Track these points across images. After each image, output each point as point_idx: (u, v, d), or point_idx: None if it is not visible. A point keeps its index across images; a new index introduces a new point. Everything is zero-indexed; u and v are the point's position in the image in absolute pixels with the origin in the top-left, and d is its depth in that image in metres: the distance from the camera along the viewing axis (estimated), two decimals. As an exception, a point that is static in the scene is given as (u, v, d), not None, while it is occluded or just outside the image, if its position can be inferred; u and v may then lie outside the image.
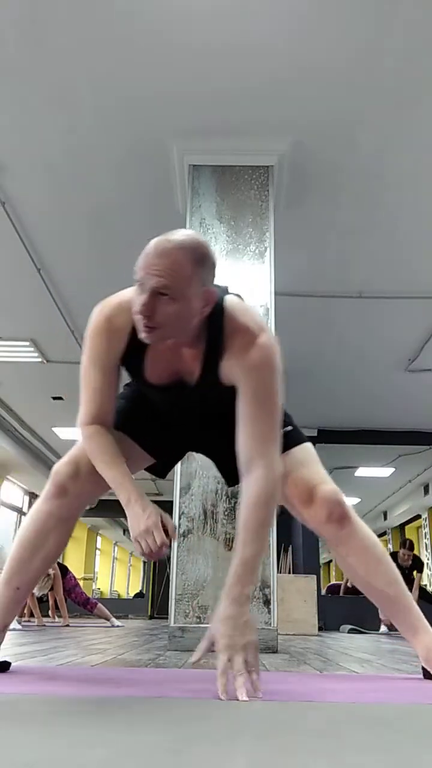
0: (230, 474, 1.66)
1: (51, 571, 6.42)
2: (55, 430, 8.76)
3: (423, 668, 1.52)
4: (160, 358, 1.40)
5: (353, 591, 9.17)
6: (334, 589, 9.60)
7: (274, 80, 3.05)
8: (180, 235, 1.26)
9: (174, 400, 1.48)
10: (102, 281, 4.89)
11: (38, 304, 5.17)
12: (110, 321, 1.39)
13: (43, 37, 2.84)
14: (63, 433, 8.83)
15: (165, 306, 1.23)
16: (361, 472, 9.97)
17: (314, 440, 7.90)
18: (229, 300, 1.40)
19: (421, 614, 1.54)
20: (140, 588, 17.55)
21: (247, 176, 3.45)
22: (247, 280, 3.21)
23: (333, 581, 19.85)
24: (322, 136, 3.39)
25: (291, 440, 1.53)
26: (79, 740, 0.75)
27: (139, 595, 14.16)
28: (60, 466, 1.49)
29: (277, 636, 2.76)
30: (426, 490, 10.98)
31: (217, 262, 1.36)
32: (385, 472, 10.06)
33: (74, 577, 7.00)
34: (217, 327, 1.35)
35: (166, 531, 1.31)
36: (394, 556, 7.15)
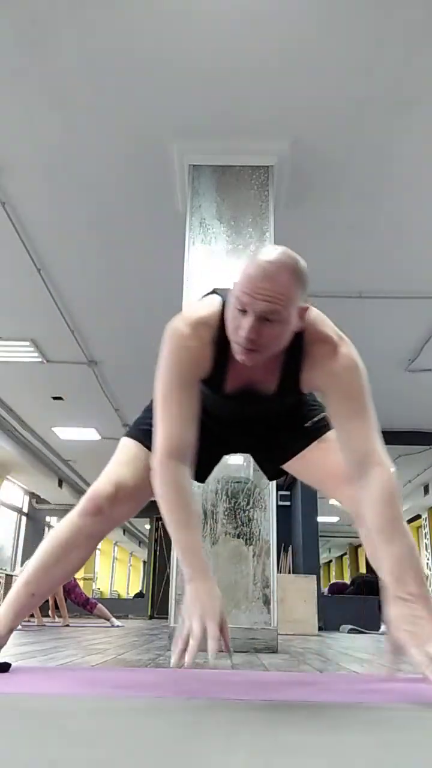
0: (269, 469, 1.69)
1: None
2: (55, 430, 8.76)
3: None
4: (239, 369, 1.36)
5: (356, 591, 9.18)
6: (337, 588, 9.55)
7: (274, 80, 3.05)
8: (279, 254, 1.23)
9: (243, 407, 1.46)
10: (102, 281, 4.90)
11: (38, 304, 5.17)
12: (194, 339, 1.33)
13: (43, 37, 2.85)
14: (63, 433, 8.83)
15: (269, 329, 1.21)
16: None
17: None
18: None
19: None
20: (140, 588, 17.56)
21: (247, 176, 3.45)
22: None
23: (333, 581, 19.85)
24: (322, 136, 3.40)
25: (329, 425, 1.54)
26: (79, 740, 0.75)
27: (139, 595, 14.15)
28: (100, 486, 1.48)
29: (277, 636, 2.76)
30: (426, 490, 10.97)
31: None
32: (386, 472, 10.03)
33: (74, 578, 7.01)
34: (298, 337, 1.32)
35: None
36: None
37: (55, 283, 4.92)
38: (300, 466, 1.57)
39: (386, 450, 1.35)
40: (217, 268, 3.24)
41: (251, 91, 3.11)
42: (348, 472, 1.41)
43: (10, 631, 1.52)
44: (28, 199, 3.94)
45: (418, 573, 1.24)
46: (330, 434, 1.53)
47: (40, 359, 6.27)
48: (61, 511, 12.87)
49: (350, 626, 7.12)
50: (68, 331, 5.62)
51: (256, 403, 1.43)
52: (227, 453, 1.74)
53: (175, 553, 1.33)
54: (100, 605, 6.78)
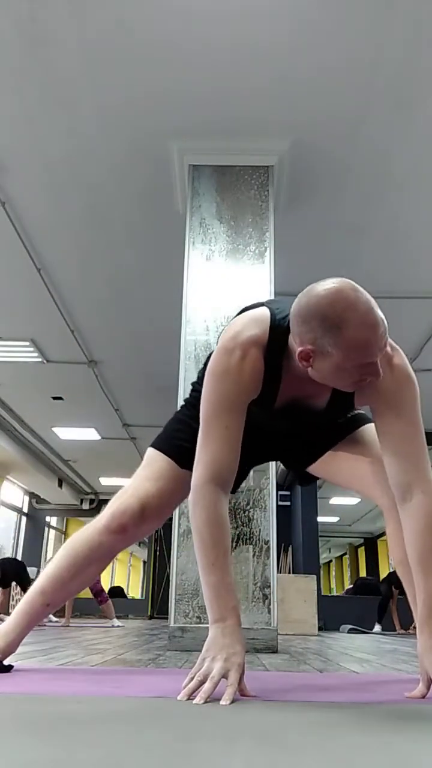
0: (296, 475, 1.66)
1: None
2: (55, 430, 8.76)
3: None
4: (290, 386, 1.32)
5: (356, 591, 9.18)
6: (364, 587, 9.13)
7: (274, 80, 3.05)
8: (364, 295, 1.19)
9: (290, 422, 1.42)
10: (102, 281, 4.90)
11: (38, 304, 5.17)
12: (246, 361, 1.26)
13: (43, 37, 2.84)
14: (63, 433, 8.84)
15: None
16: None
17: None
18: None
19: None
20: (140, 587, 17.51)
21: (247, 176, 3.45)
22: (247, 280, 3.21)
23: (333, 582, 19.87)
24: (322, 136, 3.40)
25: (365, 418, 1.53)
26: (79, 740, 0.75)
27: (117, 592, 13.21)
28: (125, 507, 1.44)
29: (277, 636, 2.76)
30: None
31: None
32: (386, 472, 10.02)
33: None
34: None
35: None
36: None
37: (55, 283, 4.91)
38: (329, 465, 1.54)
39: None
40: (217, 268, 3.24)
41: (251, 91, 3.11)
42: (379, 469, 1.38)
43: (22, 638, 1.51)
44: (28, 199, 3.94)
45: None
46: (362, 430, 1.50)
47: (40, 359, 6.27)
48: (62, 511, 12.88)
49: (350, 626, 7.12)
50: (68, 331, 5.62)
51: (303, 417, 1.40)
52: (260, 462, 1.70)
53: (203, 592, 1.23)
54: (110, 602, 6.79)
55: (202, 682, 1.09)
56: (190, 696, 1.07)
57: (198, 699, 1.04)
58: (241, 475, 1.57)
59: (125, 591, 14.26)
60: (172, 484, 1.43)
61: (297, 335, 1.21)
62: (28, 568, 7.51)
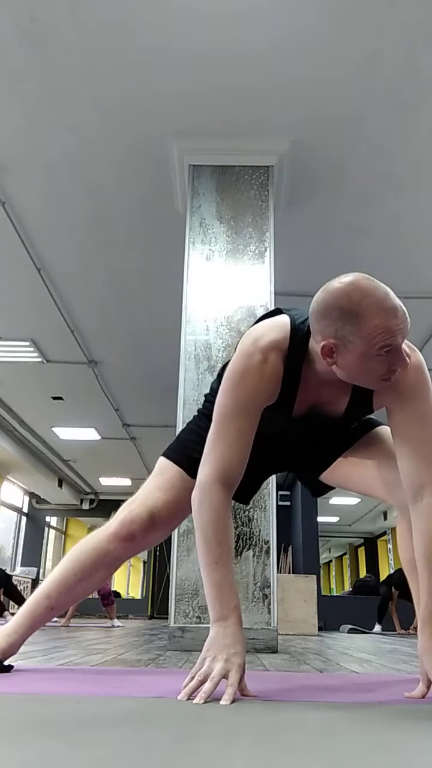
0: (310, 484, 1.64)
1: None
2: (55, 430, 8.76)
3: None
4: (309, 392, 1.31)
5: (356, 592, 9.18)
6: (364, 587, 9.18)
7: (274, 80, 3.05)
8: (383, 286, 1.21)
9: (307, 430, 1.41)
10: (102, 281, 4.90)
11: (38, 304, 5.17)
12: (266, 365, 1.25)
13: (43, 37, 2.84)
14: (63, 433, 8.84)
15: None
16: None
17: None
18: None
19: None
20: (140, 587, 17.51)
21: (247, 176, 3.45)
22: (247, 280, 3.21)
23: (333, 582, 19.87)
24: (322, 136, 3.40)
25: (376, 421, 1.53)
26: (79, 740, 0.75)
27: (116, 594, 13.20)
28: (135, 516, 1.44)
29: (277, 636, 2.76)
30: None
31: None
32: (386, 472, 10.01)
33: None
34: None
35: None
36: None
37: (55, 283, 4.91)
38: (342, 472, 1.52)
39: None
40: (217, 268, 3.24)
41: (251, 91, 3.11)
42: (391, 470, 1.37)
43: (24, 639, 1.51)
44: (28, 199, 3.94)
45: None
46: (374, 433, 1.50)
47: (40, 359, 6.27)
48: (62, 511, 12.88)
49: (350, 626, 7.12)
50: (68, 331, 5.62)
51: (321, 425, 1.38)
52: (275, 472, 1.69)
53: (204, 590, 1.24)
54: (114, 606, 6.82)
55: (202, 682, 1.09)
56: (191, 696, 1.07)
57: (198, 699, 1.04)
58: (254, 487, 1.58)
59: (122, 593, 14.25)
60: (182, 494, 1.42)
61: (318, 332, 1.20)
62: (27, 568, 7.53)
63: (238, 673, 1.10)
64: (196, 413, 1.59)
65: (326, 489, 1.63)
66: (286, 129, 3.35)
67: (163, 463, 1.53)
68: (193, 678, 1.11)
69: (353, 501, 12.22)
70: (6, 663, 1.46)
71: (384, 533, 14.34)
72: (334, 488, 1.61)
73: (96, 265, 4.65)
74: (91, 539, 1.51)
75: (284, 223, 3.82)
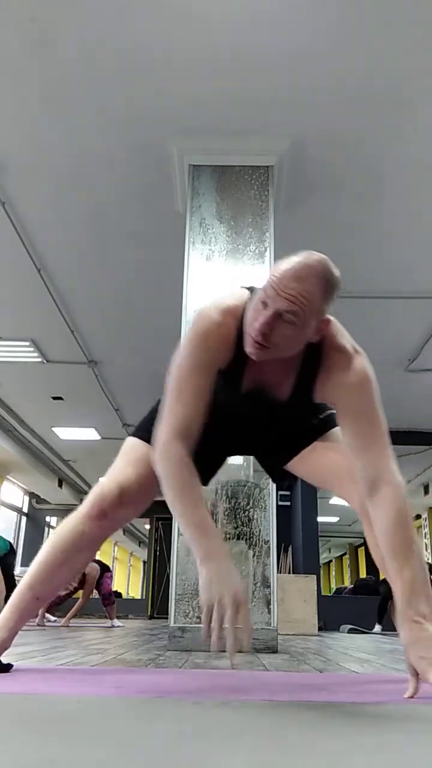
0: (277, 469, 1.66)
1: (87, 570, 6.49)
2: (55, 430, 8.76)
3: None
4: (257, 368, 1.36)
5: (355, 591, 9.19)
6: (363, 587, 9.50)
7: (274, 81, 3.05)
8: (317, 261, 1.25)
9: (256, 410, 1.44)
10: (102, 281, 4.90)
11: (38, 304, 5.17)
12: (220, 326, 1.32)
13: (43, 37, 2.84)
14: (63, 433, 8.84)
15: (284, 329, 1.22)
16: (362, 472, 9.95)
17: (314, 440, 7.95)
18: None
19: None
20: (140, 587, 17.51)
21: (247, 176, 3.45)
22: (247, 280, 3.20)
23: (333, 582, 19.89)
24: (322, 136, 3.40)
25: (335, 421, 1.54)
26: (79, 740, 0.75)
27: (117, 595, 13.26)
28: (105, 491, 1.45)
29: (277, 636, 2.76)
30: (426, 490, 10.98)
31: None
32: (386, 472, 10.04)
33: (111, 578, 7.10)
34: (315, 346, 1.33)
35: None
36: None
37: (55, 283, 4.91)
38: (305, 464, 1.56)
39: (397, 464, 1.33)
40: (217, 268, 3.24)
41: (251, 90, 3.11)
42: (352, 469, 1.39)
43: (15, 633, 1.51)
44: (28, 199, 3.94)
45: (428, 590, 1.22)
46: (334, 431, 1.53)
47: (40, 359, 6.27)
48: (61, 511, 12.87)
49: (350, 626, 7.12)
50: (68, 331, 5.62)
51: (268, 407, 1.42)
52: (232, 455, 1.72)
53: (185, 535, 1.25)
54: (114, 605, 6.82)
55: (220, 626, 1.11)
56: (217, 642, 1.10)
57: (232, 654, 1.08)
58: (212, 469, 1.61)
59: (122, 593, 14.26)
60: (150, 469, 1.43)
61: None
62: (27, 569, 7.50)
63: (247, 609, 1.14)
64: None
65: (287, 477, 1.67)
66: (286, 129, 3.35)
67: (130, 441, 1.57)
68: (210, 625, 1.13)
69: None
70: (5, 662, 1.46)
71: (384, 533, 14.31)
72: (296, 477, 1.65)
73: (96, 265, 4.65)
74: (65, 524, 1.51)
75: (284, 223, 3.82)
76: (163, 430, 1.31)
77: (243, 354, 1.31)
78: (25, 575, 1.53)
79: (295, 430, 1.54)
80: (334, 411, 1.51)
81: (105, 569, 6.95)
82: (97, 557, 13.40)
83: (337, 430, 1.51)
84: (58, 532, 1.52)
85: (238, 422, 1.51)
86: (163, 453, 1.30)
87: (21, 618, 1.51)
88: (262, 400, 1.41)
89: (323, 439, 1.53)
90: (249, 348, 1.25)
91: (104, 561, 7.81)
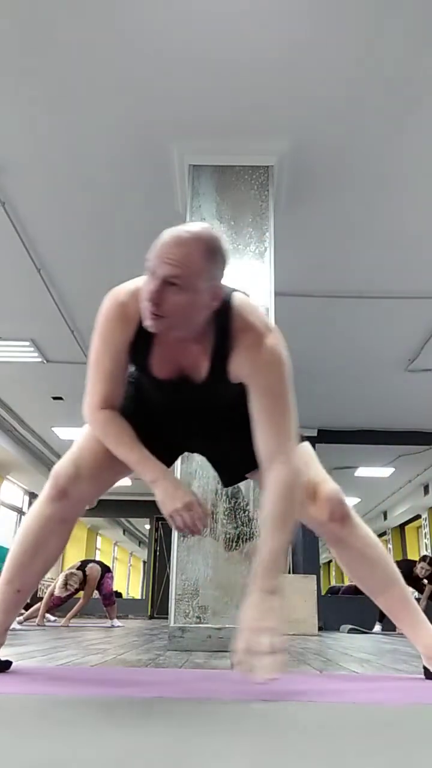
0: (228, 474, 1.67)
1: (87, 571, 6.50)
2: (55, 430, 8.76)
3: (424, 667, 1.52)
4: (166, 351, 1.39)
5: (353, 590, 9.18)
6: (333, 592, 9.62)
7: (274, 80, 3.05)
8: (196, 227, 1.28)
9: (177, 396, 1.46)
10: (102, 281, 4.88)
11: (38, 304, 5.17)
12: (122, 306, 1.38)
13: (43, 37, 2.84)
14: (63, 433, 8.83)
15: (174, 296, 1.23)
16: (361, 472, 9.97)
17: (314, 440, 7.93)
18: (238, 298, 1.39)
19: (422, 612, 1.54)
20: (140, 587, 17.53)
21: (247, 176, 3.45)
22: (247, 280, 3.21)
23: (333, 581, 19.90)
24: (322, 136, 3.39)
25: None
26: (79, 740, 0.75)
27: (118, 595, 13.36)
28: (60, 469, 1.46)
29: (277, 636, 2.76)
30: (426, 490, 10.98)
31: (227, 263, 1.34)
32: (385, 472, 10.06)
33: (112, 577, 7.07)
34: (225, 324, 1.35)
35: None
36: (409, 567, 7.07)
37: (55, 283, 4.92)
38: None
39: (296, 447, 1.39)
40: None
41: (251, 90, 3.11)
42: (312, 490, 1.46)
43: (5, 630, 1.50)
44: (28, 199, 3.94)
45: (281, 568, 1.31)
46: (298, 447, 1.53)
47: (40, 359, 6.28)
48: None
49: (350, 626, 7.12)
50: (68, 331, 5.62)
51: (189, 391, 1.43)
52: (182, 451, 1.70)
53: (136, 471, 1.43)
54: (115, 606, 6.82)
55: (188, 521, 1.33)
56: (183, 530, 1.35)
57: (261, 676, 1.13)
58: (169, 455, 1.61)
59: (122, 593, 14.27)
60: (103, 445, 1.46)
61: None
62: None
63: (198, 506, 1.35)
64: None
65: (237, 481, 1.69)
66: (286, 129, 3.34)
67: (85, 426, 1.59)
68: (180, 525, 1.34)
69: (353, 501, 12.22)
70: (3, 659, 1.46)
71: (384, 533, 14.33)
72: (245, 479, 1.67)
73: (96, 265, 4.65)
74: (30, 512, 1.51)
75: (284, 223, 3.82)
76: (86, 406, 1.45)
77: (148, 334, 1.35)
78: (3, 570, 1.51)
79: (249, 446, 1.46)
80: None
81: (106, 570, 6.96)
82: (98, 558, 13.45)
83: (301, 448, 1.51)
84: (25, 521, 1.52)
85: (170, 412, 1.53)
86: (92, 422, 1.45)
87: (7, 613, 1.49)
88: (184, 386, 1.43)
89: None
90: (147, 321, 1.28)
91: (104, 562, 7.82)
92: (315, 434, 7.98)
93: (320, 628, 6.66)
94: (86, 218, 4.14)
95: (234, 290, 1.42)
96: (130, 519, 14.99)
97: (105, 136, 3.42)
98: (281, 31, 2.80)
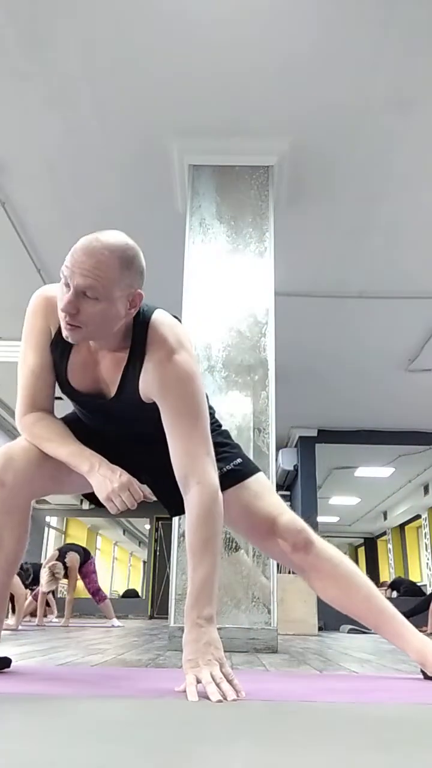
0: (169, 503, 1.57)
1: (67, 563, 6.44)
2: (55, 430, 8.74)
3: (422, 669, 1.52)
4: (83, 358, 1.40)
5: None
6: None
7: (274, 80, 3.05)
8: (110, 236, 1.26)
9: (94, 410, 1.46)
10: (102, 281, 4.90)
11: (38, 304, 5.16)
12: (46, 300, 1.42)
13: (43, 37, 2.85)
14: (63, 433, 8.82)
15: (89, 306, 1.23)
16: (361, 472, 9.97)
17: (314, 440, 7.94)
18: (157, 313, 1.38)
19: (405, 620, 1.51)
20: (140, 587, 17.52)
21: (247, 176, 3.45)
22: (247, 280, 3.21)
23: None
24: (322, 136, 3.39)
25: (243, 473, 1.52)
26: (78, 740, 0.75)
27: (131, 593, 13.71)
28: None
29: (277, 636, 2.76)
30: (426, 490, 10.98)
31: (144, 269, 1.31)
32: (385, 472, 10.06)
33: (94, 563, 6.96)
34: (141, 337, 1.33)
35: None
36: (427, 602, 6.86)
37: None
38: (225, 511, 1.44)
39: (212, 467, 1.32)
40: (217, 268, 3.23)
41: (251, 91, 3.11)
42: (271, 524, 1.46)
43: None
44: (28, 199, 3.94)
45: (213, 592, 1.25)
46: (251, 482, 1.52)
47: (40, 359, 6.26)
48: (61, 510, 12.88)
49: (350, 626, 7.11)
50: (68, 331, 5.62)
51: (103, 406, 1.41)
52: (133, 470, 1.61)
53: (70, 465, 1.38)
54: (108, 602, 6.75)
55: (128, 501, 1.28)
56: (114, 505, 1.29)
57: (216, 696, 1.06)
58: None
59: (138, 592, 14.25)
60: None
61: None
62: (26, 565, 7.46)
63: (133, 486, 1.30)
64: None
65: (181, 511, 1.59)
66: (286, 129, 3.34)
67: None
68: (120, 506, 1.29)
69: (353, 501, 12.22)
70: (3, 656, 1.45)
71: (384, 533, 14.33)
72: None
73: (96, 265, 4.65)
74: None
75: (284, 223, 3.82)
76: (17, 410, 1.47)
77: (66, 344, 1.36)
78: None
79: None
80: (242, 462, 1.53)
81: (86, 555, 6.73)
82: (97, 558, 13.43)
83: (252, 482, 1.51)
84: None
85: (97, 429, 1.50)
86: (21, 428, 1.44)
87: None
88: (100, 399, 1.42)
89: (237, 489, 1.49)
90: (64, 332, 1.28)
91: (104, 560, 7.74)
92: (315, 434, 7.97)
93: (320, 628, 6.65)
94: (86, 218, 4.13)
95: (158, 308, 1.41)
96: (130, 519, 14.99)
97: (105, 136, 3.42)
98: (281, 32, 2.80)
